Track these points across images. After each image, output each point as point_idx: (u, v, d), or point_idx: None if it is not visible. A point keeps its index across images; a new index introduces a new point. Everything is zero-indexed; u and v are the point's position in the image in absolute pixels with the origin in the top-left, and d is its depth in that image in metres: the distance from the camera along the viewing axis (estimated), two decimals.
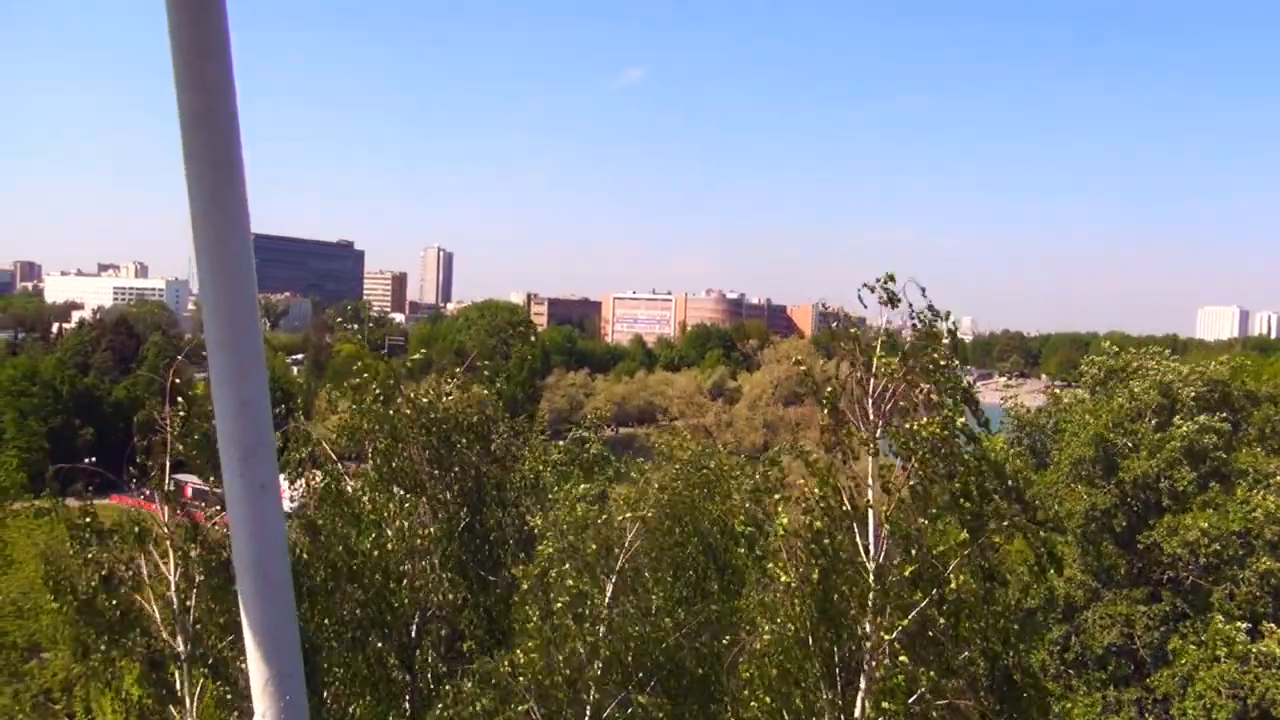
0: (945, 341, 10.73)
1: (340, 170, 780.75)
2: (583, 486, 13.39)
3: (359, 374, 12.74)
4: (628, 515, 11.54)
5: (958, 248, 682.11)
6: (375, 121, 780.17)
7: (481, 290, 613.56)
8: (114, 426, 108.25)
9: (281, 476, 16.42)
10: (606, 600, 10.77)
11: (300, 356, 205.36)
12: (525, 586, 10.77)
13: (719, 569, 13.48)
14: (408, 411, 11.92)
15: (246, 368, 2.44)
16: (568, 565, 10.58)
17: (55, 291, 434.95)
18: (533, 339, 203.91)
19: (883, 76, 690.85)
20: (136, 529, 12.57)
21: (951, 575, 10.01)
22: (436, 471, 11.74)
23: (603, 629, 10.31)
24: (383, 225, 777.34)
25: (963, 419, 10.48)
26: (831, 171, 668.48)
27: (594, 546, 10.87)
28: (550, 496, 14.73)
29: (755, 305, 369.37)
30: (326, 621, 10.67)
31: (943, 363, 10.49)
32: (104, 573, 13.17)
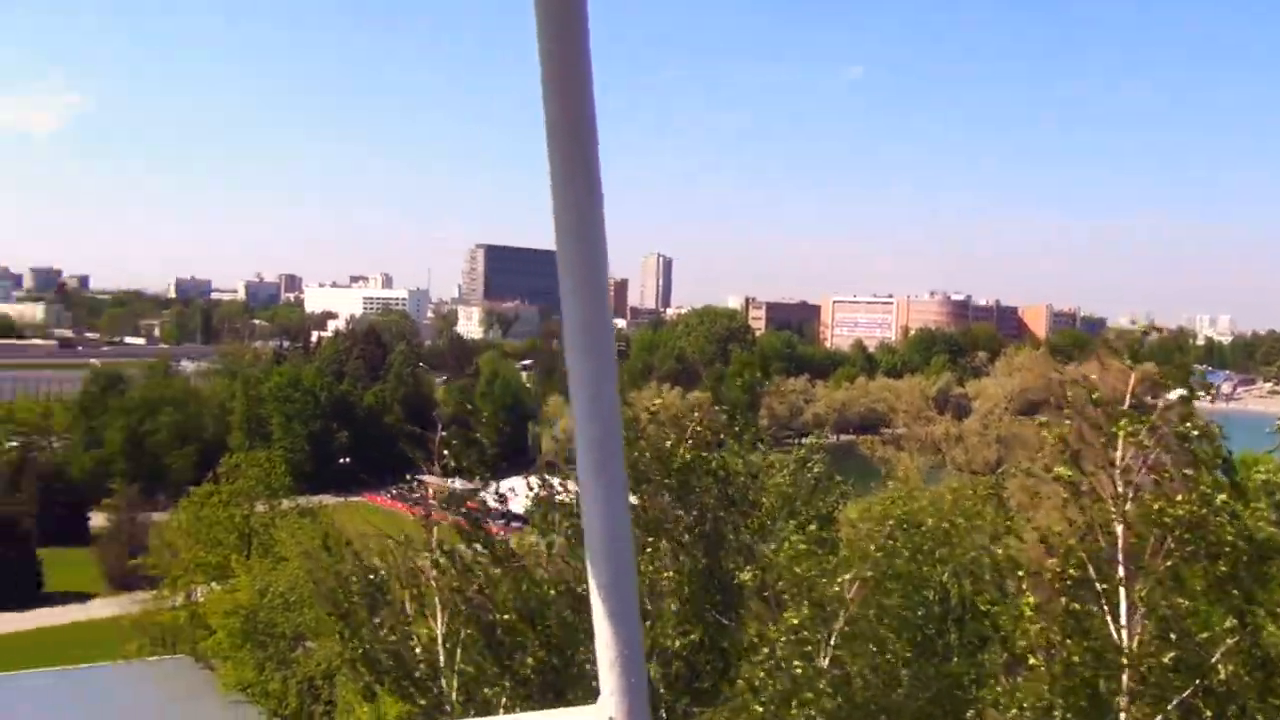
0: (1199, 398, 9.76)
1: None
2: (799, 540, 12.85)
3: None
4: (848, 577, 11.21)
5: (1213, 236, 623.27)
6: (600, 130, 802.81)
7: (700, 295, 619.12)
8: (365, 430, 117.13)
9: (520, 480, 17.07)
10: (827, 661, 10.50)
11: (529, 363, 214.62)
12: (752, 638, 10.68)
13: (955, 621, 12.88)
14: (649, 454, 12.03)
15: (602, 372, 2.59)
16: (792, 621, 10.38)
17: (314, 302, 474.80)
18: (752, 344, 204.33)
19: (1108, 60, 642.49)
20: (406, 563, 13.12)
21: (1219, 664, 9.14)
22: (678, 513, 11.80)
23: (826, 688, 10.05)
24: (607, 232, 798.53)
25: (1224, 495, 9.45)
26: (1066, 161, 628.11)
27: (807, 610, 10.62)
28: (775, 528, 14.48)
29: (983, 307, 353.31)
30: (567, 652, 10.97)
31: (1196, 431, 9.55)
32: (368, 601, 13.98)
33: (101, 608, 65.08)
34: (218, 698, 37.18)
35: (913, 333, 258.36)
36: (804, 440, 63.14)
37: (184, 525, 49.29)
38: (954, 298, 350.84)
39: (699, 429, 13.44)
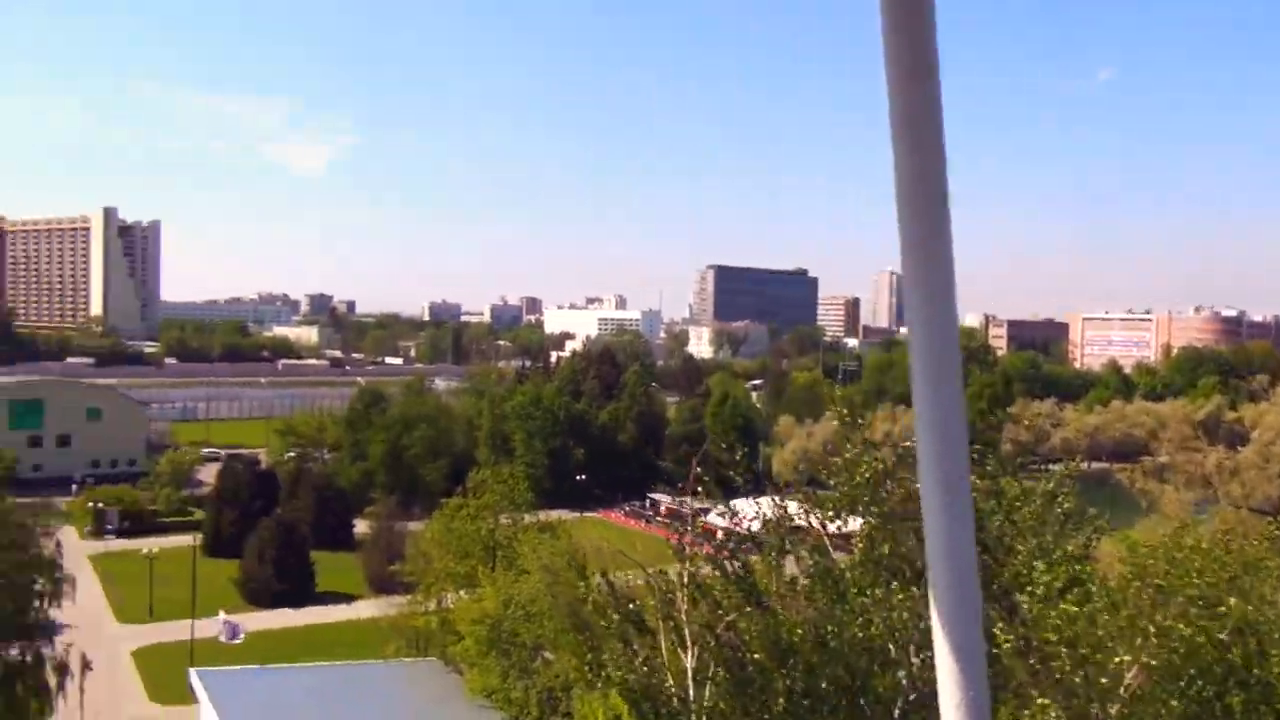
0: None
1: (792, 198, 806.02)
2: (1070, 602, 11.85)
3: (849, 453, 12.57)
4: (1125, 658, 10.33)
5: None
6: (821, 149, 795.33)
7: None
8: (600, 447, 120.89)
9: (747, 502, 17.04)
10: None
11: (759, 382, 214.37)
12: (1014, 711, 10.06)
13: (1240, 684, 11.61)
14: (899, 493, 11.63)
15: (948, 400, 2.55)
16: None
17: (553, 323, 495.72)
18: (993, 365, 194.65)
19: None
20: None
21: None
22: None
23: None
24: (836, 251, 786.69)
25: None
26: None
27: (1079, 679, 9.84)
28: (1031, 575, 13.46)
29: (1259, 324, 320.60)
30: (807, 688, 10.79)
31: None
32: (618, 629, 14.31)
33: (364, 609, 70.33)
34: (465, 702, 39.28)
35: (1175, 351, 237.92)
36: (1051, 468, 59.38)
37: (436, 536, 52.38)
38: (1224, 313, 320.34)
39: None
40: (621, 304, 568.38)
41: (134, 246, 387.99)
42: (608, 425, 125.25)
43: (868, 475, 12.04)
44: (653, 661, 12.83)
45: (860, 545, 12.26)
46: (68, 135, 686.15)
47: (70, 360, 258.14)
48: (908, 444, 13.86)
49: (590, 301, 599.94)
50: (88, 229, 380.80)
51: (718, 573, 14.17)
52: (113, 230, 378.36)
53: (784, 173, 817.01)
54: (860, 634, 10.28)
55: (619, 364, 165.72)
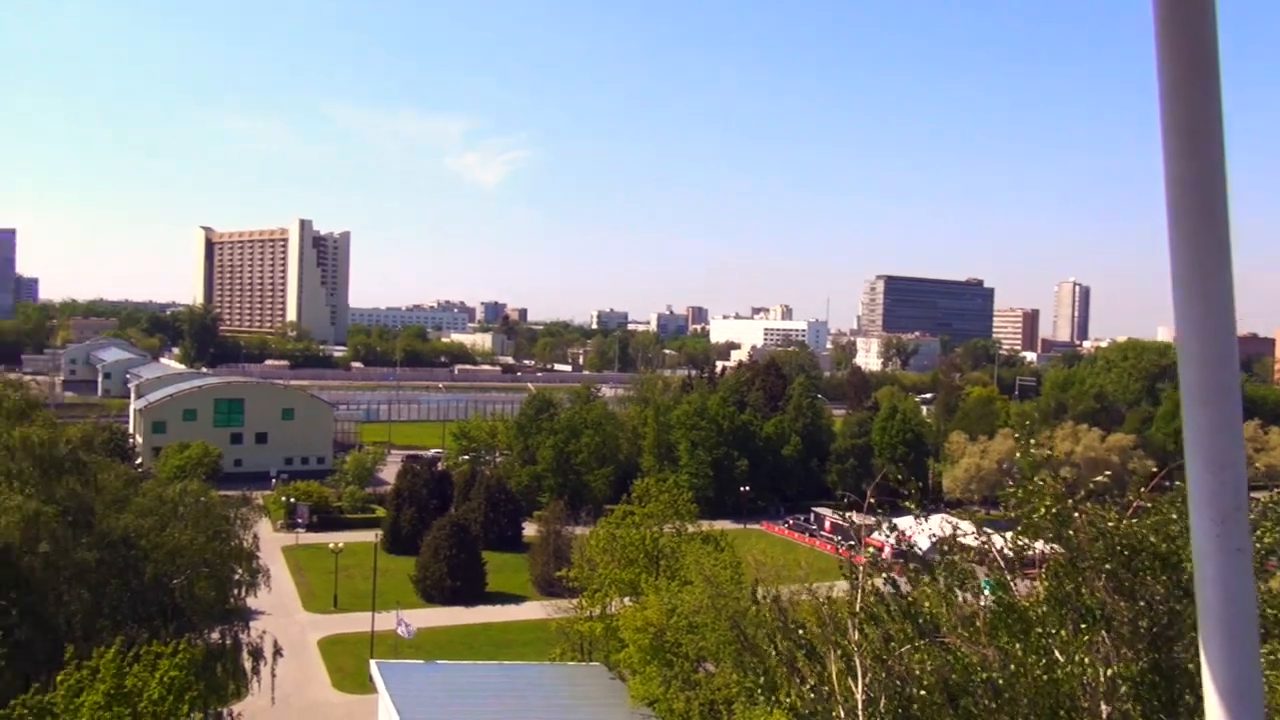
0: None
1: (967, 206, 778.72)
2: None
3: (1027, 485, 11.91)
4: None
5: None
6: (997, 154, 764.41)
7: (1122, 327, 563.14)
8: (764, 459, 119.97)
9: (912, 519, 16.51)
10: None
11: (929, 396, 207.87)
12: None
13: None
14: (1086, 531, 10.92)
15: (1226, 425, 2.39)
16: None
17: (719, 333, 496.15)
18: None
19: None
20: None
21: None
22: (1121, 602, 10.60)
23: None
24: (1013, 261, 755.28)
25: None
26: None
27: None
28: None
29: None
30: None
31: None
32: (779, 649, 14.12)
33: (531, 610, 72.27)
34: (628, 709, 39.72)
35: None
36: (1254, 495, 54.86)
37: (601, 542, 53.17)
38: None
39: (1145, 501, 11.84)
40: (787, 314, 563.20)
41: (326, 256, 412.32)
42: (772, 437, 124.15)
43: (1053, 510, 11.40)
44: (819, 689, 12.54)
45: (1043, 580, 11.62)
46: (269, 154, 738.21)
47: (268, 363, 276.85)
48: (1101, 478, 13.07)
49: (756, 311, 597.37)
50: (285, 240, 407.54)
51: (888, 597, 13.72)
52: (307, 241, 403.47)
53: (958, 180, 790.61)
54: (1044, 677, 9.75)
55: (784, 375, 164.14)
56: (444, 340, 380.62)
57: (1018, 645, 10.40)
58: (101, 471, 40.75)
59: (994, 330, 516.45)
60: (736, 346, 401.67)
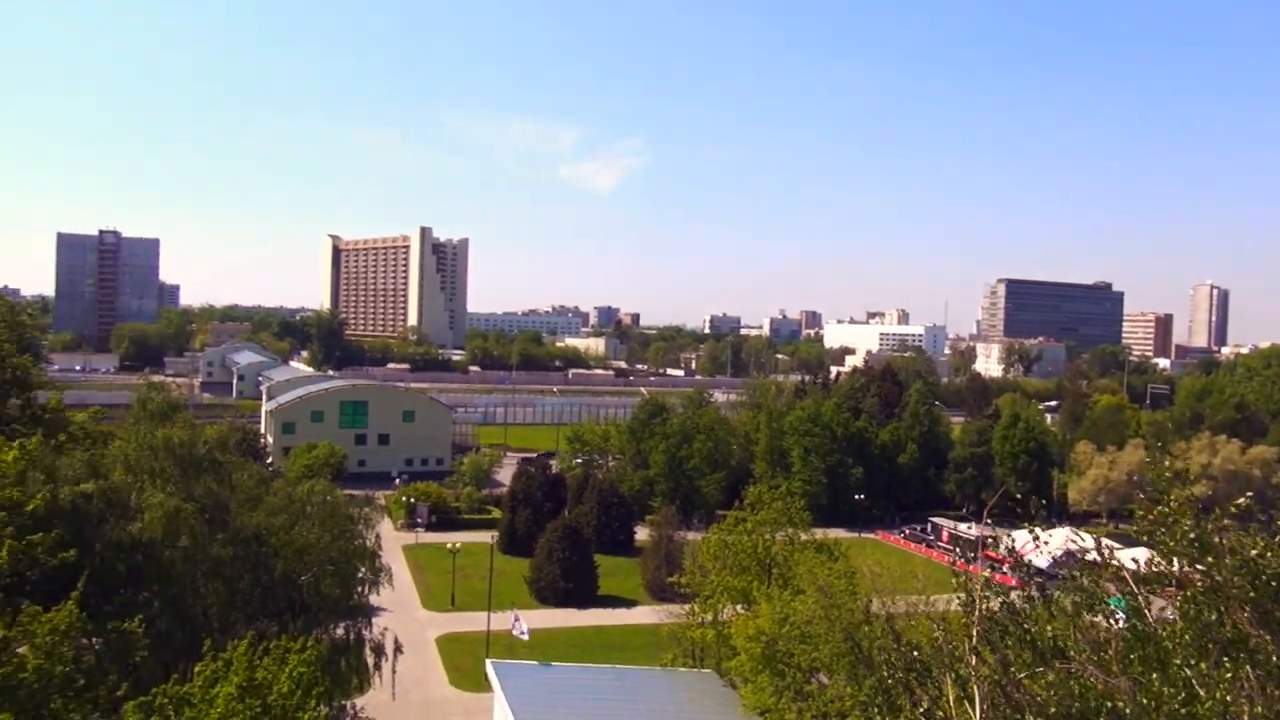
0: None
1: (1097, 207, 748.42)
2: None
3: (1163, 504, 11.21)
4: None
5: None
6: (1131, 154, 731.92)
7: (1265, 332, 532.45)
8: (879, 467, 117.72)
9: (1039, 531, 15.84)
10: None
11: (1054, 404, 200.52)
12: None
13: None
14: (1229, 559, 10.23)
15: None
16: None
17: (832, 338, 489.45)
18: None
19: None
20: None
21: None
22: (1267, 636, 9.90)
23: None
24: (1145, 263, 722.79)
25: None
26: None
27: None
28: None
29: None
30: None
31: None
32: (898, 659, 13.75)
33: (642, 614, 72.58)
34: (740, 718, 39.44)
35: None
36: None
37: (713, 549, 52.97)
38: None
39: None
40: (904, 318, 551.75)
41: (445, 262, 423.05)
42: (888, 444, 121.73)
43: (1193, 537, 10.75)
44: (933, 713, 12.13)
45: (1180, 606, 10.96)
46: (393, 164, 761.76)
47: (390, 366, 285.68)
48: (1243, 500, 12.31)
49: (871, 316, 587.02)
50: (407, 247, 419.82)
51: (1006, 618, 13.13)
52: (428, 248, 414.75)
53: (1085, 179, 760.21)
54: (1183, 711, 9.18)
55: (900, 381, 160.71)
56: (558, 344, 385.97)
57: (1154, 676, 9.83)
58: (236, 471, 42.71)
59: (1123, 335, 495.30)
60: (851, 351, 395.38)
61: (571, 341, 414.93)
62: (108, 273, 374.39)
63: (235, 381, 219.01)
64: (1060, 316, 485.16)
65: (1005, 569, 14.28)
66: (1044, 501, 14.99)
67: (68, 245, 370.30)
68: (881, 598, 40.90)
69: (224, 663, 22.70)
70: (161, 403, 44.87)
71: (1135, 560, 12.78)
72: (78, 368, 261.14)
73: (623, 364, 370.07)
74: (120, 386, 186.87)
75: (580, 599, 77.03)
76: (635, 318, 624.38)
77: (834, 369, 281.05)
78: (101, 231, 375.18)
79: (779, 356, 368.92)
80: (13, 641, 17.66)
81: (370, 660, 42.61)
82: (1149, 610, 11.49)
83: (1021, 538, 14.81)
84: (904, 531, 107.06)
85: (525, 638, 59.65)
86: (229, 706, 20.91)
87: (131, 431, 40.69)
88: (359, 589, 43.80)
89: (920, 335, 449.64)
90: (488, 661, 46.85)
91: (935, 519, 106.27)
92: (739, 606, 48.00)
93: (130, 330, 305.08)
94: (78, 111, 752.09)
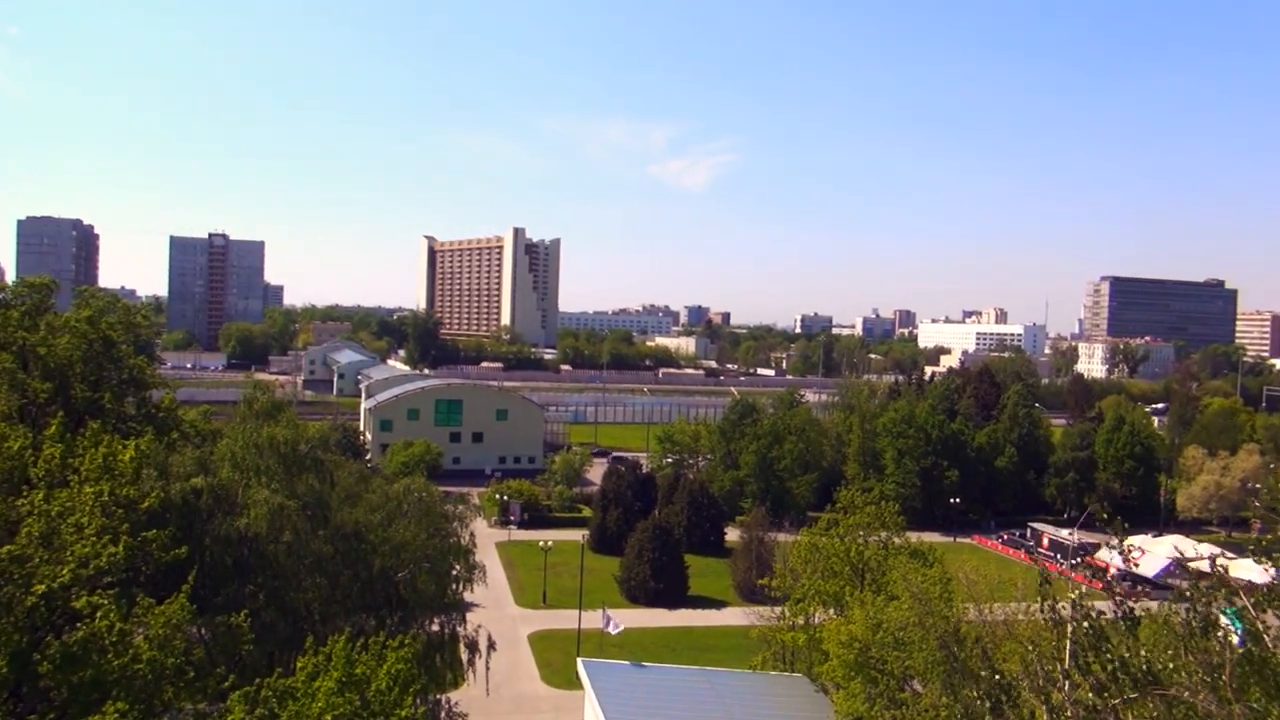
0: None
1: (1208, 202, 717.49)
2: None
3: None
4: None
5: None
6: (1241, 144, 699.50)
7: None
8: (976, 470, 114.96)
9: (1147, 539, 15.15)
10: None
11: (1161, 407, 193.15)
12: None
13: None
14: None
15: None
16: None
17: (927, 337, 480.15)
18: None
19: None
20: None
21: None
22: None
23: None
24: (1261, 260, 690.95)
25: None
26: None
27: None
28: None
29: None
30: None
31: None
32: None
33: (732, 616, 72.28)
34: None
35: None
36: None
37: (804, 552, 52.38)
38: None
39: None
40: (1002, 317, 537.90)
41: (537, 262, 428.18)
42: (985, 447, 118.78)
43: None
44: None
45: None
46: (487, 166, 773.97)
47: (484, 364, 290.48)
48: None
49: (968, 315, 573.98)
50: (500, 247, 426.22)
51: (1098, 637, 12.50)
52: (520, 248, 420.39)
53: (1195, 172, 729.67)
54: None
55: (999, 382, 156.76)
56: (649, 344, 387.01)
57: (1275, 709, 9.26)
58: (337, 469, 43.94)
59: (1237, 335, 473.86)
60: (946, 351, 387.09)
61: (662, 341, 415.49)
62: (217, 274, 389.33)
63: (336, 379, 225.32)
64: (1168, 315, 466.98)
65: (1105, 579, 13.60)
66: (1147, 508, 14.35)
67: (180, 248, 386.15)
68: (978, 605, 39.94)
69: (324, 656, 23.32)
70: (266, 402, 46.52)
71: (1250, 573, 12.12)
72: (188, 365, 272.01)
73: (713, 363, 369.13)
74: (227, 384, 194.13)
75: (670, 599, 77.10)
76: (725, 317, 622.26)
77: (929, 369, 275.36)
78: (211, 235, 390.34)
79: (872, 356, 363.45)
80: (129, 634, 18.46)
81: (464, 656, 43.37)
82: (1266, 634, 10.86)
83: (1136, 545, 14.08)
84: (1001, 537, 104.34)
85: (618, 632, 59.81)
86: (329, 700, 21.48)
87: (238, 430, 42.23)
88: (454, 586, 44.57)
89: (1019, 335, 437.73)
90: (579, 660, 47.21)
91: (1035, 524, 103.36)
92: (831, 611, 47.40)
93: (237, 329, 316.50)
94: (189, 120, 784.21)
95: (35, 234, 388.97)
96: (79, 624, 18.51)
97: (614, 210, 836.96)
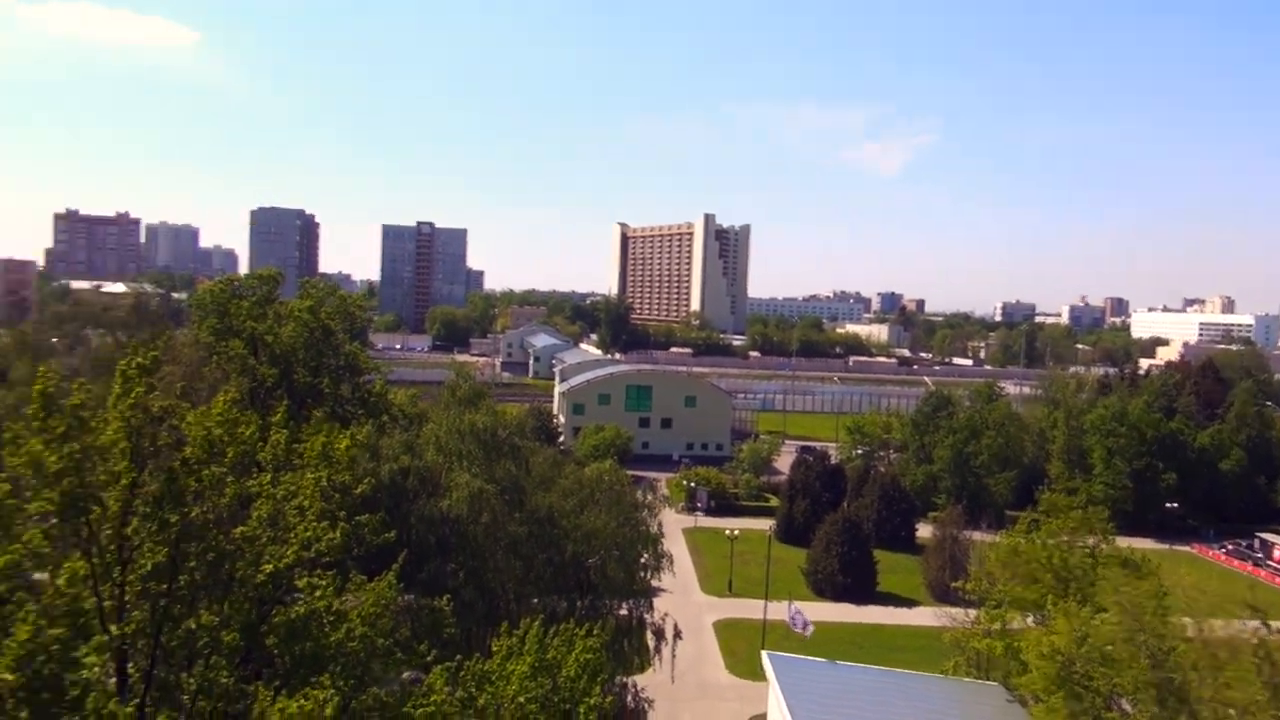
0: None
1: None
2: None
3: None
4: None
5: None
6: None
7: None
8: (1196, 473, 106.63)
9: None
10: None
11: None
12: None
13: None
14: None
15: None
16: None
17: (1141, 327, 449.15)
18: None
19: None
20: None
21: None
22: None
23: None
24: None
25: None
26: None
27: None
28: None
29: None
30: None
31: None
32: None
33: (922, 616, 70.20)
34: None
35: None
36: None
37: (1002, 555, 50.16)
38: None
39: None
40: (1229, 306, 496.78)
41: (727, 248, 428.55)
42: (1207, 448, 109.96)
43: None
44: None
45: None
46: (678, 152, 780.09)
47: (673, 350, 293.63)
48: None
49: (1189, 303, 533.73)
50: (690, 233, 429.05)
51: None
52: (710, 234, 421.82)
53: None
54: None
55: (1224, 378, 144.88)
56: (839, 331, 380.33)
57: None
58: (532, 455, 45.56)
59: None
60: (1164, 343, 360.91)
61: (852, 328, 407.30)
62: (423, 260, 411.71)
63: (531, 362, 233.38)
64: None
65: None
66: None
67: (391, 236, 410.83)
68: (1198, 622, 37.12)
69: (518, 639, 24.24)
70: (468, 390, 48.87)
71: None
72: (397, 346, 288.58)
73: (906, 352, 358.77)
74: (433, 365, 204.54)
75: (858, 594, 75.65)
76: (920, 304, 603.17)
77: (1143, 362, 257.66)
78: (419, 223, 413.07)
79: (1079, 347, 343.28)
80: (343, 613, 19.79)
81: (651, 642, 44.11)
82: None
83: None
84: (1225, 547, 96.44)
85: (808, 634, 59.12)
86: (522, 684, 22.31)
87: (442, 416, 44.47)
88: (642, 573, 45.37)
89: (1249, 326, 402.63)
90: (764, 653, 47.06)
91: (1264, 535, 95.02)
92: (1030, 619, 45.26)
93: (441, 313, 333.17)
94: (398, 114, 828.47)
95: (265, 223, 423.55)
96: (299, 600, 19.97)
97: (805, 195, 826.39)
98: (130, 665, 18.05)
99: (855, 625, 69.96)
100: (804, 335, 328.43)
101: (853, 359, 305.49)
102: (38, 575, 18.19)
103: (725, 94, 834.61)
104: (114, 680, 17.78)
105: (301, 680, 18.97)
